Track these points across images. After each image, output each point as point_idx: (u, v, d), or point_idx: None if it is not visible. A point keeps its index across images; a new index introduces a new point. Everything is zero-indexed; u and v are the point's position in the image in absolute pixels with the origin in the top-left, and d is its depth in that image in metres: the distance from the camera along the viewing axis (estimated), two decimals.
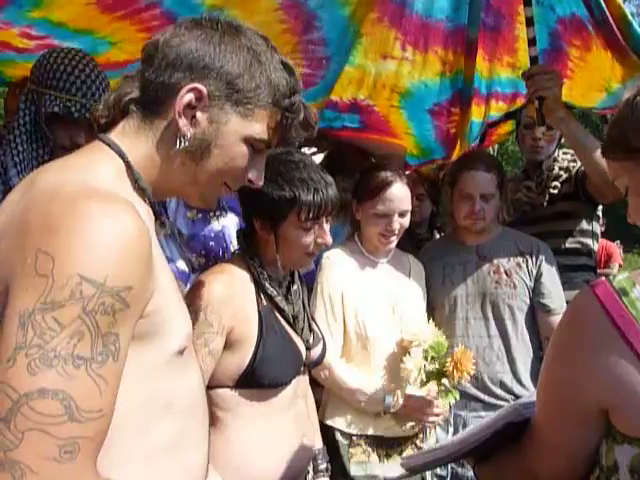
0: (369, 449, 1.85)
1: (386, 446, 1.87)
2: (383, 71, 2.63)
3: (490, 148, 3.49)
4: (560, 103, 2.05)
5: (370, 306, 1.88)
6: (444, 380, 1.76)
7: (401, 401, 1.83)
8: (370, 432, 1.85)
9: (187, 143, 0.86)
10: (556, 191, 2.37)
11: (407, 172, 3.29)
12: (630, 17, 2.07)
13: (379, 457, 1.86)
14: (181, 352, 0.86)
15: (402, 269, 2.03)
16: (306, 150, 2.95)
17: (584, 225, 2.38)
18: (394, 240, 1.90)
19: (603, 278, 0.84)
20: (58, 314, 0.67)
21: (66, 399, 0.66)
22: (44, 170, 0.82)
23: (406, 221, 1.90)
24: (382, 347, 1.86)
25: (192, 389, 0.91)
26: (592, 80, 2.42)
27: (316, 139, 2.93)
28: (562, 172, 2.38)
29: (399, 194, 1.86)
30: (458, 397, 1.83)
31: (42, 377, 0.65)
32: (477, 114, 2.87)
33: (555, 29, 2.34)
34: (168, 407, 0.84)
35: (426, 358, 1.76)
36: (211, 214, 1.92)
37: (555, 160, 2.41)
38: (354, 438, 1.85)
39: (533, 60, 2.12)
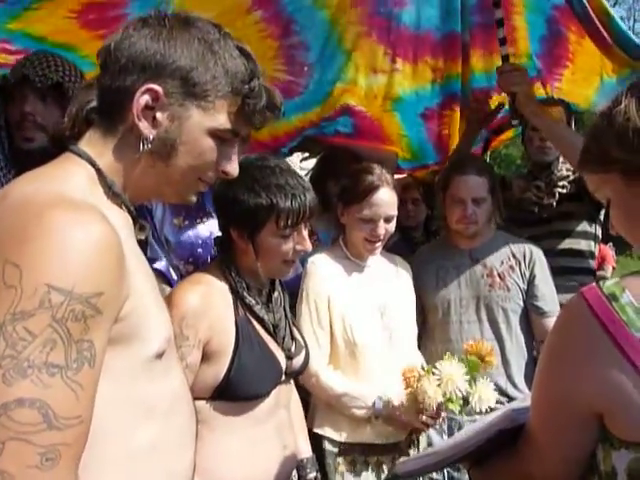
0: (358, 457, 1.83)
1: (377, 453, 1.84)
2: (375, 84, 2.64)
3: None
4: (531, 98, 2.18)
5: (358, 311, 1.85)
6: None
7: (395, 402, 1.79)
8: (360, 440, 1.83)
9: (150, 145, 0.85)
10: (564, 191, 2.39)
11: (402, 175, 3.30)
12: (611, 11, 2.07)
13: (369, 465, 1.83)
14: (160, 356, 0.86)
15: (389, 272, 2.01)
16: (299, 155, 2.96)
17: (587, 227, 2.40)
18: (379, 245, 1.88)
19: (594, 284, 0.84)
20: (28, 323, 0.67)
21: (43, 407, 0.66)
22: (17, 181, 0.82)
23: (392, 226, 1.87)
24: (371, 353, 1.83)
25: (174, 393, 0.90)
26: (592, 62, 2.43)
27: (308, 144, 2.94)
28: (569, 173, 2.40)
29: (385, 199, 1.83)
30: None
31: (18, 387, 0.65)
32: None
33: (551, 15, 2.36)
34: (149, 411, 0.84)
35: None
36: (197, 220, 1.91)
37: (563, 161, 2.42)
38: (343, 447, 1.82)
39: (504, 59, 2.24)
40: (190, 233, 1.88)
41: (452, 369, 1.68)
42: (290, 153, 2.97)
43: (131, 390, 0.81)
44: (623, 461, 0.81)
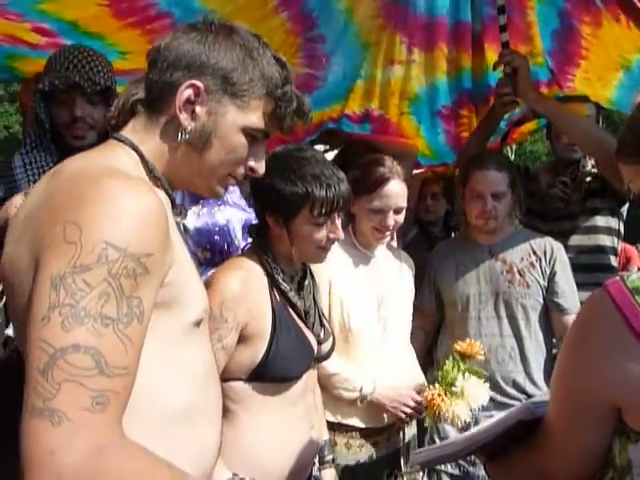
0: (340, 438, 1.85)
1: (360, 436, 1.87)
2: (392, 78, 2.63)
3: (508, 148, 3.45)
4: (529, 84, 2.18)
5: (356, 299, 1.88)
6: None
7: (377, 391, 1.82)
8: (345, 421, 1.85)
9: (188, 136, 0.93)
10: (589, 186, 2.36)
11: (421, 170, 3.28)
12: None
13: (351, 447, 1.86)
14: (197, 324, 0.91)
15: (393, 265, 2.03)
16: (319, 147, 2.96)
17: (611, 223, 2.37)
18: (388, 236, 1.91)
19: (617, 277, 0.84)
20: (87, 276, 0.72)
21: (96, 354, 0.71)
22: (68, 160, 0.89)
23: (401, 218, 1.90)
24: (363, 340, 1.86)
25: (206, 365, 0.95)
26: (608, 58, 2.38)
27: (328, 137, 2.94)
28: (594, 169, 2.37)
29: (396, 191, 1.86)
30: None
31: (75, 333, 0.70)
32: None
33: (563, 8, 2.31)
34: (186, 375, 0.89)
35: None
36: (215, 207, 1.94)
37: (589, 157, 2.39)
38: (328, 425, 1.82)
39: (505, 45, 2.24)
40: (208, 220, 1.91)
41: (473, 388, 1.65)
42: (311, 145, 2.98)
43: (172, 353, 0.87)
44: (639, 454, 0.80)
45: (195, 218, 1.90)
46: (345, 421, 1.85)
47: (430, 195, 3.08)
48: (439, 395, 1.63)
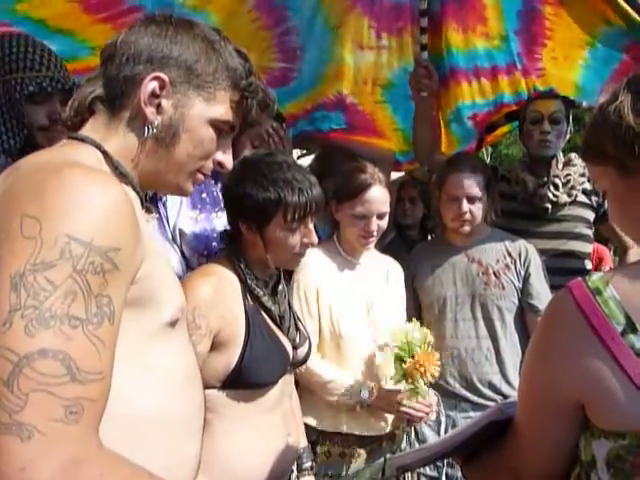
0: (336, 447, 1.86)
1: (357, 445, 1.87)
2: (362, 64, 2.62)
3: (483, 152, 3.46)
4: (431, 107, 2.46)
5: (345, 305, 1.89)
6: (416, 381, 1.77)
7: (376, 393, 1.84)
8: (340, 429, 1.86)
9: (155, 130, 0.89)
10: (575, 192, 2.37)
11: (400, 174, 3.29)
12: None
13: (345, 455, 1.87)
14: (173, 324, 0.86)
15: (380, 271, 2.04)
16: (296, 152, 2.97)
17: (586, 230, 2.39)
18: (372, 241, 1.93)
19: (579, 278, 0.86)
20: (50, 274, 0.67)
21: (66, 359, 0.65)
22: (28, 157, 0.84)
23: (384, 223, 1.92)
24: (355, 346, 1.87)
25: (184, 370, 0.90)
26: (572, 36, 2.39)
27: (305, 142, 2.94)
28: (582, 177, 2.37)
29: (378, 196, 1.88)
30: (425, 397, 1.82)
31: (41, 338, 0.64)
32: (462, 94, 2.79)
33: None
34: (161, 381, 0.84)
35: (397, 358, 1.77)
36: (213, 214, 1.92)
37: (572, 163, 2.40)
38: (322, 435, 1.86)
39: (422, 48, 2.39)
40: (206, 226, 1.89)
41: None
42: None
43: (145, 355, 0.82)
44: (602, 450, 0.83)
45: (193, 223, 1.88)
46: (341, 430, 1.85)
47: (408, 199, 3.10)
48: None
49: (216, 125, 0.93)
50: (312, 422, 1.85)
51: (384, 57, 2.61)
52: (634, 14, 2.13)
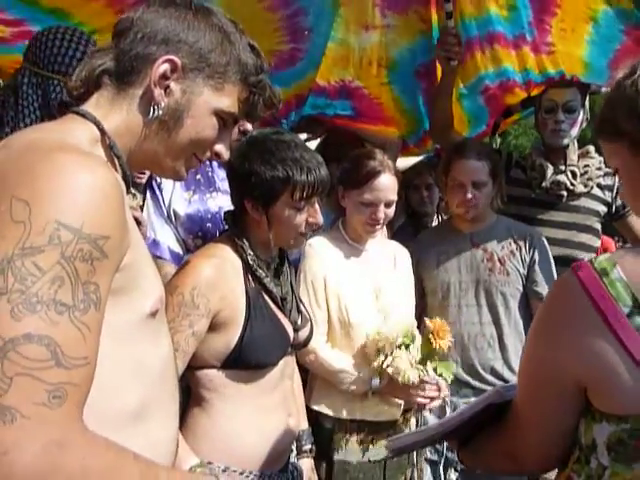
0: (353, 434, 1.86)
1: (372, 431, 1.87)
2: (367, 45, 2.59)
3: (492, 142, 3.41)
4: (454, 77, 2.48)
5: (352, 292, 1.88)
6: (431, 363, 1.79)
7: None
8: (357, 416, 1.86)
9: (161, 112, 0.89)
10: (592, 184, 2.35)
11: (413, 160, 3.23)
12: None
13: (362, 442, 1.86)
14: (153, 314, 0.86)
15: (387, 257, 2.03)
16: (302, 136, 2.95)
17: (597, 224, 2.38)
18: (379, 229, 1.92)
19: (586, 259, 0.85)
20: (38, 259, 0.66)
21: (52, 344, 0.65)
22: (18, 133, 0.83)
23: (391, 211, 1.90)
24: (365, 332, 1.85)
25: (163, 358, 0.90)
26: (577, 8, 2.36)
27: (311, 125, 2.92)
28: (598, 171, 2.36)
29: (387, 184, 1.86)
30: (450, 376, 1.83)
31: (26, 322, 0.64)
32: (476, 66, 2.72)
33: None
34: (140, 371, 0.84)
35: (403, 347, 1.76)
36: (207, 194, 1.92)
37: (590, 155, 2.38)
38: (338, 423, 1.85)
39: (449, 15, 2.35)
40: (200, 207, 1.89)
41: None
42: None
43: (125, 346, 0.81)
44: (603, 434, 0.83)
45: (186, 205, 1.88)
46: (355, 417, 1.85)
47: (424, 186, 3.08)
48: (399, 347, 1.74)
49: (220, 116, 0.94)
50: (328, 410, 1.86)
51: (389, 36, 2.57)
52: None
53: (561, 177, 2.31)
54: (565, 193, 2.33)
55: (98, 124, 0.87)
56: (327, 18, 2.45)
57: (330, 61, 2.62)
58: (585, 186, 2.34)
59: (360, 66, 2.66)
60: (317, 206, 1.44)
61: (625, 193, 0.95)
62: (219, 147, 0.98)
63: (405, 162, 3.57)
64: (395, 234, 2.82)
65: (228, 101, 0.94)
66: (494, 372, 2.11)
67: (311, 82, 2.71)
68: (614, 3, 2.23)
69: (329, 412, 1.86)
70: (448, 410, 2.08)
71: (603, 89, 2.54)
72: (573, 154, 2.37)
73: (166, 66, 0.88)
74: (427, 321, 1.84)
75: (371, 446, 1.87)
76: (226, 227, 1.52)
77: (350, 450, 1.85)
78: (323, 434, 1.83)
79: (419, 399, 1.82)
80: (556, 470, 0.95)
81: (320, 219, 1.45)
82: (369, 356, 1.81)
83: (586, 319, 0.81)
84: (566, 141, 2.34)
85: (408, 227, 3.05)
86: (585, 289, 0.81)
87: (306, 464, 1.62)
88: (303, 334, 1.54)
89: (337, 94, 2.78)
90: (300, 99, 2.78)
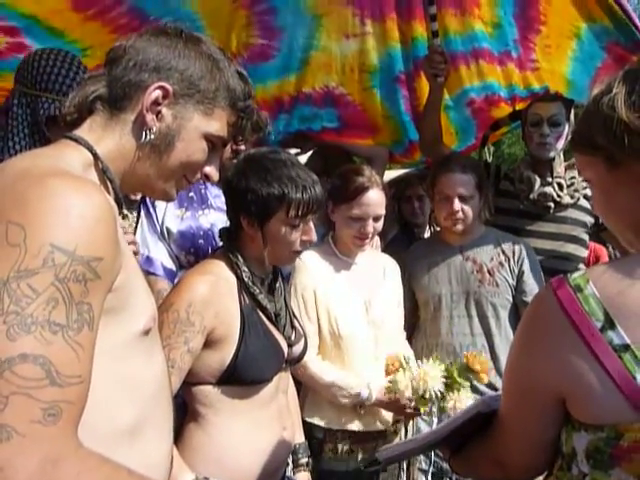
0: (343, 444, 1.89)
1: (362, 440, 1.90)
2: (349, 52, 2.64)
3: (486, 151, 3.44)
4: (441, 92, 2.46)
5: (343, 305, 1.91)
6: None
7: (374, 394, 1.86)
8: (347, 427, 1.89)
9: (153, 136, 0.93)
10: (578, 195, 2.38)
11: (402, 171, 3.25)
12: None
13: (353, 452, 1.89)
14: (146, 333, 0.89)
15: (376, 269, 2.07)
16: (291, 151, 2.99)
17: (584, 235, 2.40)
18: (368, 242, 1.95)
19: (562, 276, 0.88)
20: (32, 281, 0.69)
21: (46, 364, 0.67)
22: (12, 160, 0.86)
23: (379, 225, 1.94)
24: (355, 345, 1.89)
25: (157, 379, 0.92)
26: (561, 24, 2.42)
27: (299, 140, 2.96)
28: (585, 182, 2.36)
29: (375, 199, 1.91)
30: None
31: (21, 343, 0.67)
32: (461, 80, 2.79)
33: None
34: (132, 390, 0.86)
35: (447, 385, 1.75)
36: (199, 211, 1.95)
37: (576, 167, 2.40)
38: (329, 433, 1.89)
39: (435, 34, 2.38)
40: (192, 224, 1.91)
41: (429, 369, 1.73)
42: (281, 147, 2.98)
43: (118, 364, 0.83)
44: (582, 442, 0.85)
45: (179, 222, 1.91)
46: (346, 427, 1.88)
47: (416, 197, 3.11)
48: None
49: (210, 139, 0.98)
50: (319, 421, 1.88)
51: (369, 43, 2.64)
52: (621, 12, 2.15)
53: (548, 189, 2.35)
54: (552, 204, 2.35)
55: (91, 149, 0.91)
56: (305, 26, 2.50)
57: (314, 67, 2.68)
58: (572, 197, 2.37)
59: (343, 72, 2.72)
60: (311, 224, 1.47)
61: (597, 205, 0.97)
62: (209, 169, 1.03)
63: (396, 174, 3.61)
64: (388, 245, 2.85)
65: (217, 125, 0.98)
66: (487, 383, 2.13)
67: (290, 87, 2.74)
68: (598, 20, 2.28)
69: (321, 423, 1.89)
70: (436, 417, 2.10)
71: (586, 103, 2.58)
72: (559, 166, 2.40)
73: (158, 92, 0.92)
74: (469, 356, 1.82)
75: (360, 455, 1.90)
76: (219, 243, 1.54)
77: (340, 460, 1.87)
78: (312, 444, 1.85)
79: (409, 410, 1.85)
80: (541, 477, 0.98)
81: (314, 237, 1.48)
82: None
83: (562, 334, 0.84)
84: (552, 154, 2.37)
85: (401, 238, 3.08)
86: (561, 305, 0.84)
87: (302, 478, 1.63)
88: (297, 349, 1.56)
89: (322, 101, 2.82)
90: (281, 104, 2.80)
